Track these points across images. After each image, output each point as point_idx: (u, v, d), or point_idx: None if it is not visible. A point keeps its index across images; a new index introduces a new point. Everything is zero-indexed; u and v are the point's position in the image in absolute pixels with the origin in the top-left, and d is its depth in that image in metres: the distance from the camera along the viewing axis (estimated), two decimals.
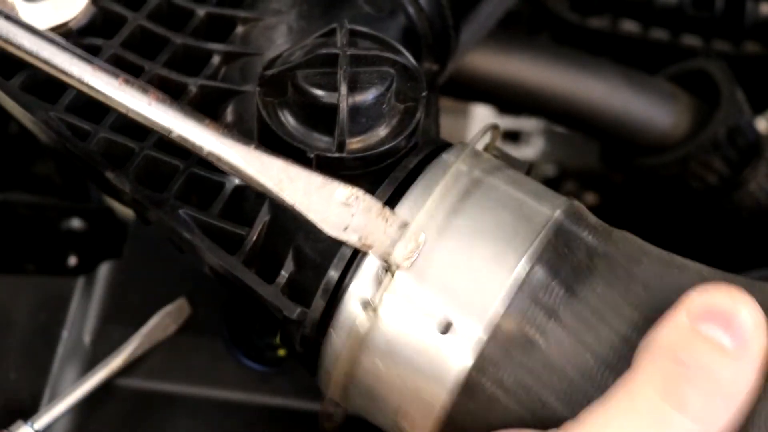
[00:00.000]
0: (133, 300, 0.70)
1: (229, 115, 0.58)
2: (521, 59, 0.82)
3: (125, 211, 0.90)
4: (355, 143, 0.52)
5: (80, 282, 0.72)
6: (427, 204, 0.50)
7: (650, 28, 0.91)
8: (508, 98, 0.83)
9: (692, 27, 0.90)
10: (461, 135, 0.99)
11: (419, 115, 0.53)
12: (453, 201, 0.50)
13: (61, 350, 0.69)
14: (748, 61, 0.90)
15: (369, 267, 0.50)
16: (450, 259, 0.49)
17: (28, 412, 0.62)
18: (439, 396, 0.48)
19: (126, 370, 0.65)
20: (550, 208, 0.51)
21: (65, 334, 0.69)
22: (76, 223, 0.81)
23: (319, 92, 0.51)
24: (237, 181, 0.55)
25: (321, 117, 0.52)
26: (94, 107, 0.55)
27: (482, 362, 0.48)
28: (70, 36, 0.58)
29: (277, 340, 0.70)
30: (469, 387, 0.48)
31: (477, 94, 0.85)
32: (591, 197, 0.97)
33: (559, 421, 0.46)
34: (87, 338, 0.68)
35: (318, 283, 0.51)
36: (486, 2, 0.72)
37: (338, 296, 0.50)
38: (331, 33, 0.54)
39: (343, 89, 0.51)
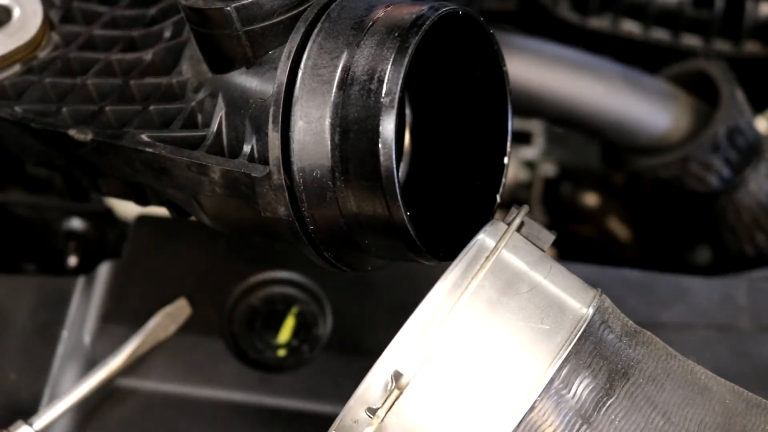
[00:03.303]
0: (133, 300, 0.70)
1: (184, 62, 0.60)
2: (521, 59, 0.82)
3: (125, 211, 0.90)
4: None
5: (80, 282, 0.72)
6: (463, 298, 0.48)
7: (650, 28, 0.91)
8: None
9: (692, 27, 0.90)
10: None
11: None
12: (491, 295, 0.49)
13: (61, 350, 0.68)
14: (748, 61, 0.90)
15: (380, 372, 0.48)
16: (453, 391, 0.47)
17: (28, 412, 0.62)
18: None
19: (126, 370, 0.65)
20: (570, 321, 0.49)
21: (65, 334, 0.69)
22: (76, 223, 0.81)
23: None
24: (195, 101, 0.58)
25: None
26: (59, 96, 0.61)
27: None
28: (34, 59, 0.64)
29: (278, 339, 0.70)
30: None
31: None
32: (591, 197, 0.97)
33: None
34: (87, 338, 0.68)
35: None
36: None
37: (288, 127, 0.52)
38: None
39: None
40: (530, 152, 0.97)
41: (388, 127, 0.50)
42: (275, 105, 0.53)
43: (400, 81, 0.50)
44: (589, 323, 0.49)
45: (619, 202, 0.96)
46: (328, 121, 0.52)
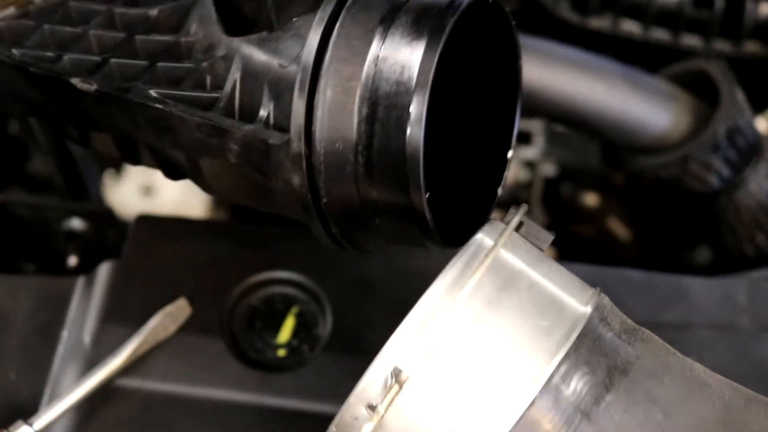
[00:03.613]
0: (133, 300, 0.70)
1: (192, 22, 0.59)
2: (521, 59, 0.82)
3: (125, 211, 0.90)
4: None
5: (80, 282, 0.72)
6: (462, 295, 0.48)
7: (650, 28, 0.91)
8: None
9: (692, 27, 0.90)
10: None
11: None
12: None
13: (61, 350, 0.68)
14: (748, 61, 0.90)
15: (379, 369, 0.48)
16: (454, 383, 0.47)
17: (28, 412, 0.62)
18: None
19: (126, 370, 0.65)
20: (570, 317, 0.49)
21: (65, 334, 0.69)
22: (76, 223, 0.81)
23: None
24: (205, 62, 0.56)
25: None
26: (61, 44, 0.59)
27: None
28: (31, 3, 0.61)
29: (278, 339, 0.70)
30: None
31: None
32: (591, 197, 0.97)
33: None
34: (87, 338, 0.68)
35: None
36: None
37: (315, 89, 0.50)
38: None
39: None
40: (530, 152, 0.97)
41: (420, 106, 0.49)
42: (303, 72, 0.51)
43: (435, 61, 0.49)
44: (588, 321, 0.49)
45: (619, 202, 0.96)
46: (358, 93, 0.51)
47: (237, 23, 0.55)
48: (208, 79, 0.56)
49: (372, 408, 0.47)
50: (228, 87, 0.55)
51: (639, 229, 0.96)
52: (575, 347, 0.47)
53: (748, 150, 0.82)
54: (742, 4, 0.89)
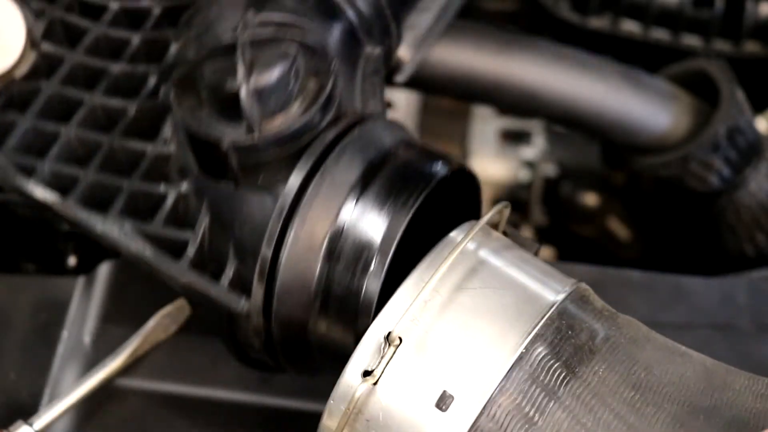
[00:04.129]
0: (133, 300, 0.69)
1: (168, 129, 0.58)
2: (521, 59, 0.82)
3: None
4: (269, 125, 0.52)
5: (80, 282, 0.72)
6: (433, 279, 0.50)
7: (650, 28, 0.91)
8: (507, 98, 0.83)
9: (692, 27, 0.90)
10: (461, 135, 0.99)
11: (329, 87, 0.53)
12: (459, 277, 0.51)
13: (61, 350, 0.68)
14: (748, 61, 0.90)
15: (371, 339, 0.50)
16: (451, 335, 0.49)
17: (28, 412, 0.62)
18: None
19: (126, 370, 0.65)
20: (555, 291, 0.51)
21: (65, 334, 0.69)
22: None
23: (221, 81, 0.52)
24: (179, 190, 0.56)
25: (231, 106, 0.52)
26: (40, 145, 0.59)
27: None
28: (13, 84, 0.61)
29: None
30: None
31: (476, 95, 0.85)
32: (591, 197, 0.97)
33: None
34: (87, 338, 0.68)
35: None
36: None
37: (274, 277, 0.52)
38: (243, 22, 0.55)
39: (241, 73, 0.52)
40: (530, 152, 0.97)
41: (372, 288, 0.52)
42: (262, 261, 0.53)
43: (398, 235, 0.52)
44: (568, 298, 0.51)
45: (619, 202, 0.96)
46: (318, 267, 0.53)
47: (208, 167, 0.55)
48: (181, 211, 0.57)
49: (368, 373, 0.49)
50: (198, 231, 0.55)
51: (639, 229, 0.96)
52: (552, 322, 0.49)
53: (748, 150, 0.82)
54: (742, 4, 0.89)
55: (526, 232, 0.99)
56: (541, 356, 0.48)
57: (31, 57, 0.62)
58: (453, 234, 0.53)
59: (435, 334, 0.49)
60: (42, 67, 0.62)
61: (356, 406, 0.49)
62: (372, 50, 0.65)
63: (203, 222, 0.55)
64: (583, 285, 0.52)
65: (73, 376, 0.67)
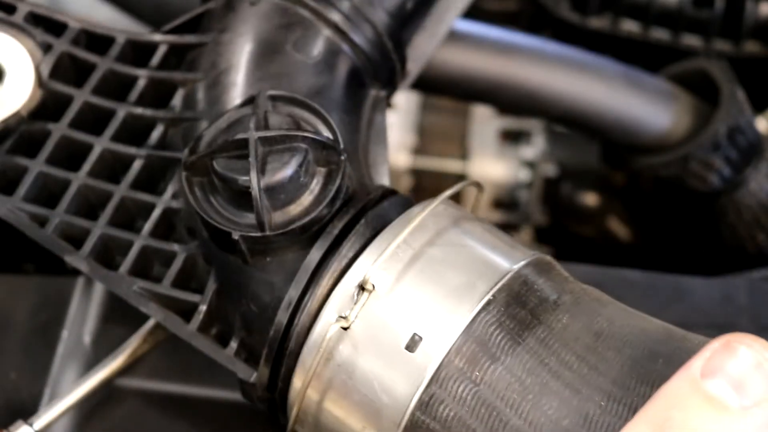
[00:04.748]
0: None
1: (175, 184, 0.59)
2: (521, 59, 0.82)
3: None
4: (279, 215, 0.54)
5: (80, 282, 0.71)
6: (404, 232, 0.52)
7: (650, 28, 0.91)
8: (507, 98, 0.83)
9: (692, 27, 0.90)
10: (461, 135, 0.99)
11: (338, 181, 0.54)
12: (431, 234, 0.52)
13: (61, 350, 0.68)
14: (748, 61, 0.90)
15: (345, 288, 0.52)
16: (421, 283, 0.51)
17: (28, 412, 0.62)
18: (402, 409, 0.49)
19: (126, 370, 0.65)
20: (524, 253, 0.53)
21: (65, 334, 0.69)
22: None
23: (234, 176, 0.53)
24: (189, 251, 0.57)
25: (242, 198, 0.54)
26: (50, 192, 0.59)
27: (443, 377, 0.49)
28: (22, 122, 0.61)
29: None
30: (429, 403, 0.49)
31: (476, 95, 0.85)
32: (591, 197, 0.97)
33: None
34: (87, 338, 0.68)
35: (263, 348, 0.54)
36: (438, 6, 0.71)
37: (282, 360, 0.53)
38: (252, 101, 0.56)
39: (254, 174, 0.53)
40: (530, 152, 0.97)
41: None
42: (269, 347, 0.53)
43: None
44: (536, 260, 0.53)
45: (619, 202, 0.96)
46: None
47: (216, 240, 0.56)
48: (189, 274, 0.57)
49: (342, 318, 0.50)
50: (207, 296, 0.56)
51: (639, 229, 0.96)
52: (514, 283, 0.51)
53: (748, 149, 0.82)
54: (742, 4, 0.89)
55: (526, 232, 0.99)
56: (507, 303, 0.50)
57: (39, 95, 0.61)
58: (427, 201, 0.55)
59: (406, 281, 0.51)
60: (49, 105, 0.62)
61: (327, 350, 0.51)
62: (377, 93, 0.66)
63: (212, 288, 0.56)
64: (549, 257, 0.55)
65: (73, 376, 0.67)
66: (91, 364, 0.66)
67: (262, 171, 0.53)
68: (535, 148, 0.97)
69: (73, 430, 0.65)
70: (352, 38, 0.63)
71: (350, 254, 0.53)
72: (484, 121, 0.99)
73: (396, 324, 0.50)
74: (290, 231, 0.53)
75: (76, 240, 0.59)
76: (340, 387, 0.51)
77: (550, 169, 0.97)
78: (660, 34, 0.91)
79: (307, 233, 0.54)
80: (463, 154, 0.98)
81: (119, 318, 0.69)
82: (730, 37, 0.90)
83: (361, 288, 0.51)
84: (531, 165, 0.97)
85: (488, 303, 0.50)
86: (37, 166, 0.60)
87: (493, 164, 0.97)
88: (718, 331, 0.69)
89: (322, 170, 0.55)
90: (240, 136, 0.54)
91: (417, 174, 0.98)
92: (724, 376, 0.43)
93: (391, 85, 0.67)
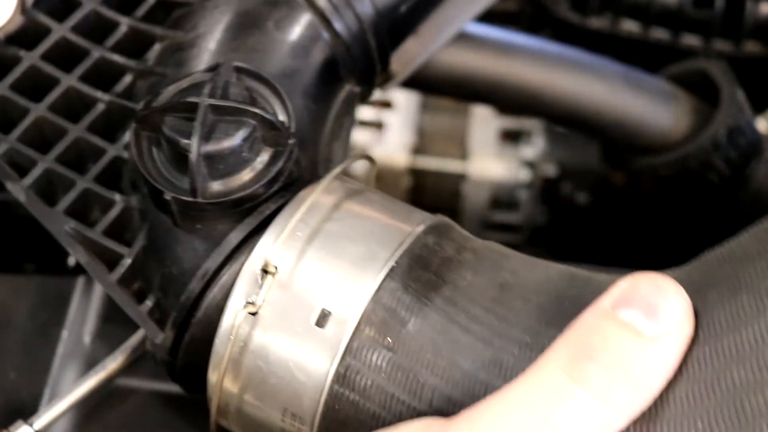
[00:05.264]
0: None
1: (129, 135, 0.59)
2: (521, 59, 0.82)
3: None
4: (216, 185, 0.54)
5: (80, 282, 0.71)
6: (299, 211, 0.52)
7: (650, 28, 0.91)
8: (507, 98, 0.83)
9: (692, 27, 0.90)
10: (461, 135, 0.99)
11: (281, 163, 0.54)
12: (326, 210, 0.53)
13: (61, 350, 0.68)
14: (748, 61, 0.90)
15: (247, 275, 0.52)
16: (323, 258, 0.51)
17: (28, 412, 0.62)
18: (319, 385, 0.50)
19: (126, 370, 0.65)
20: (423, 217, 0.53)
21: (65, 334, 0.69)
22: None
23: (177, 138, 0.53)
24: (128, 203, 0.57)
25: (183, 161, 0.54)
26: (8, 117, 0.59)
27: (356, 348, 0.49)
28: None
29: None
30: (345, 375, 0.49)
31: (476, 94, 0.85)
32: (591, 197, 0.97)
33: (443, 398, 0.48)
34: (87, 338, 0.68)
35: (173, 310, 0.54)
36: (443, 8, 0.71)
37: (187, 329, 0.53)
38: (216, 68, 0.56)
39: (195, 140, 0.53)
40: (530, 152, 0.97)
41: None
42: (178, 311, 0.54)
43: None
44: (436, 222, 0.53)
45: (619, 202, 0.96)
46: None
47: (154, 201, 0.56)
48: (122, 226, 0.57)
49: (250, 303, 0.50)
50: (134, 251, 0.56)
51: (639, 229, 0.96)
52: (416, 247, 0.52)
53: (748, 150, 0.82)
54: (742, 4, 0.89)
55: (526, 233, 0.99)
56: (410, 267, 0.50)
57: (18, 21, 0.62)
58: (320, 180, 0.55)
59: (307, 259, 0.51)
60: (28, 35, 0.62)
61: (239, 338, 0.51)
62: (352, 88, 0.65)
63: (140, 243, 0.57)
64: (447, 218, 0.55)
65: (73, 376, 0.67)
66: (91, 364, 0.66)
67: (206, 138, 0.53)
68: (535, 148, 0.97)
69: (73, 430, 0.65)
70: (334, 26, 0.63)
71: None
72: (484, 121, 0.99)
73: (303, 302, 0.50)
74: (222, 202, 0.53)
75: (23, 171, 0.58)
76: (257, 373, 0.51)
77: (550, 169, 0.97)
78: (660, 34, 0.91)
79: (240, 208, 0.54)
80: (463, 154, 0.98)
81: (119, 318, 0.68)
82: (730, 37, 0.90)
83: (264, 271, 0.51)
84: (531, 165, 0.97)
85: (391, 270, 0.50)
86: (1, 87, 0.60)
87: (493, 164, 0.97)
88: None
89: (269, 150, 0.55)
90: (191, 99, 0.54)
91: (417, 174, 0.98)
92: (635, 307, 0.45)
93: (367, 82, 0.67)
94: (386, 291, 0.50)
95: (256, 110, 0.54)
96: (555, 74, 0.82)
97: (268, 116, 0.54)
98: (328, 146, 0.62)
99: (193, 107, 0.54)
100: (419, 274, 0.50)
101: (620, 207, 0.96)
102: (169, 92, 0.56)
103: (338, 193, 0.54)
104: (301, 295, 0.51)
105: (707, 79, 0.84)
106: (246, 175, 0.54)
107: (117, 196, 0.58)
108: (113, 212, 0.57)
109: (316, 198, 0.53)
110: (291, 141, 0.55)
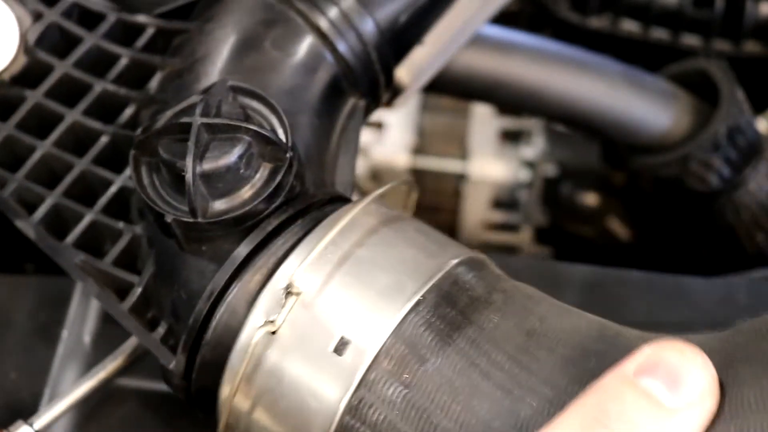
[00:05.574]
0: None
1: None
2: (521, 58, 0.82)
3: None
4: (217, 205, 0.54)
5: (80, 282, 0.71)
6: (332, 232, 0.51)
7: (650, 28, 0.91)
8: (507, 97, 0.83)
9: (692, 27, 0.90)
10: (461, 135, 0.99)
11: (279, 177, 0.54)
12: (359, 235, 0.52)
13: (61, 350, 0.68)
14: (748, 61, 0.90)
15: (271, 293, 0.51)
16: (349, 284, 0.50)
17: (28, 412, 0.62)
18: (331, 414, 0.49)
19: (126, 370, 0.65)
20: (455, 252, 0.52)
21: (65, 334, 0.69)
22: None
23: (174, 159, 0.53)
24: (135, 232, 0.58)
25: (181, 182, 0.53)
26: (15, 156, 0.60)
27: (372, 380, 0.48)
28: (1, 86, 0.61)
29: None
30: (358, 407, 0.48)
31: (476, 93, 0.85)
32: (591, 197, 0.97)
33: None
34: (87, 338, 0.68)
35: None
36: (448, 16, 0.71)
37: (198, 351, 0.53)
38: (212, 88, 0.56)
39: (189, 160, 0.52)
40: (530, 152, 0.97)
41: None
42: (187, 335, 0.53)
43: None
44: (468, 259, 0.52)
45: (619, 202, 0.96)
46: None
47: (158, 224, 0.56)
48: (132, 255, 0.58)
49: (269, 322, 0.50)
50: (143, 279, 0.56)
51: (639, 229, 0.96)
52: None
53: (748, 149, 0.82)
54: (742, 4, 0.89)
55: (526, 232, 0.99)
56: (436, 304, 0.49)
57: (22, 61, 0.62)
58: (358, 200, 0.55)
59: (333, 283, 0.50)
60: (32, 73, 0.62)
61: (255, 355, 0.50)
62: (357, 101, 0.65)
63: (149, 270, 0.57)
64: (482, 255, 0.54)
65: (73, 376, 0.67)
66: (91, 364, 0.66)
67: (201, 157, 0.53)
68: (535, 148, 0.97)
69: (73, 430, 0.65)
70: (335, 46, 0.63)
71: (280, 252, 0.53)
72: (484, 120, 0.99)
73: (324, 327, 0.49)
74: (223, 221, 0.53)
75: (32, 207, 0.59)
76: (269, 393, 0.50)
77: (550, 169, 0.97)
78: (660, 34, 0.91)
79: (242, 226, 0.54)
80: (463, 154, 0.98)
81: None
82: (730, 37, 0.90)
83: (288, 291, 0.50)
84: (531, 165, 0.97)
85: (417, 303, 0.49)
86: (5, 130, 0.60)
87: (493, 164, 0.97)
88: (718, 330, 0.69)
89: (268, 166, 0.55)
90: (185, 119, 0.54)
91: (417, 174, 0.98)
92: (658, 376, 0.43)
93: (372, 95, 0.67)
94: (410, 325, 0.49)
95: (250, 126, 0.54)
96: (555, 72, 0.82)
97: (262, 131, 0.54)
98: (334, 160, 0.62)
99: (187, 128, 0.53)
100: (445, 311, 0.49)
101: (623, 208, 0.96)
102: (165, 117, 0.56)
103: (374, 218, 0.53)
104: (322, 320, 0.50)
105: (707, 78, 0.84)
106: (246, 192, 0.54)
107: (122, 225, 0.58)
108: (122, 242, 0.57)
109: (351, 220, 0.52)
110: (289, 155, 0.54)
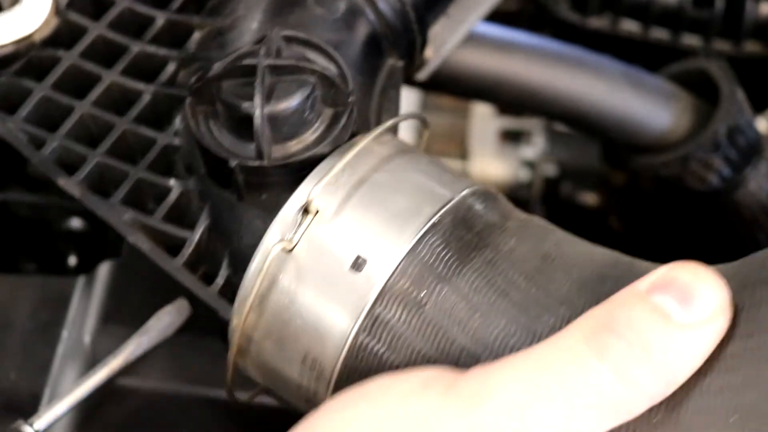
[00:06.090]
0: (133, 300, 0.69)
1: (179, 122, 0.59)
2: (521, 57, 0.82)
3: None
4: (280, 149, 0.53)
5: (80, 282, 0.72)
6: (348, 155, 0.51)
7: (650, 28, 0.91)
8: (508, 96, 0.83)
9: (692, 27, 0.90)
10: (461, 134, 0.99)
11: (344, 121, 0.54)
12: (376, 160, 0.51)
13: (61, 350, 0.68)
14: (748, 61, 0.90)
15: (288, 213, 0.50)
16: (366, 205, 0.50)
17: (28, 412, 0.62)
18: (345, 331, 0.48)
19: (126, 370, 0.65)
20: (468, 182, 0.52)
21: (65, 334, 0.69)
22: (76, 223, 0.81)
23: (237, 102, 0.53)
24: (185, 187, 0.57)
25: (244, 126, 0.53)
26: (52, 117, 0.59)
27: (388, 298, 0.48)
28: (33, 48, 0.61)
29: None
30: (374, 325, 0.48)
31: (477, 93, 0.85)
32: (591, 197, 0.97)
33: (470, 358, 0.47)
34: (87, 338, 0.68)
35: None
36: None
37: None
38: (262, 40, 0.55)
39: (258, 100, 0.52)
40: (530, 152, 0.97)
41: None
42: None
43: None
44: (484, 188, 0.52)
45: (619, 202, 0.96)
46: None
47: (214, 174, 0.56)
48: (182, 210, 0.57)
49: (286, 241, 0.49)
50: (197, 232, 0.56)
51: (639, 229, 0.96)
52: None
53: (748, 149, 0.82)
54: (742, 4, 0.89)
55: None
56: (454, 226, 0.49)
57: (54, 23, 0.61)
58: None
59: (350, 205, 0.50)
60: (64, 35, 0.62)
61: (270, 273, 0.49)
62: (395, 62, 0.65)
63: (203, 224, 0.56)
64: (495, 189, 0.54)
65: (73, 376, 0.67)
66: (91, 364, 0.66)
67: (267, 99, 0.53)
68: (535, 148, 0.97)
69: (73, 430, 0.65)
70: (376, 3, 0.63)
71: None
72: (484, 120, 0.99)
73: (340, 246, 0.49)
74: (289, 164, 0.53)
75: (72, 167, 0.58)
76: (282, 312, 0.50)
77: (550, 169, 0.97)
78: (660, 33, 0.91)
79: (304, 171, 0.53)
80: (463, 154, 0.98)
81: (119, 318, 0.69)
82: (730, 37, 0.90)
83: (306, 211, 0.50)
84: (531, 165, 0.97)
85: (434, 225, 0.49)
86: (42, 90, 0.60)
87: (493, 164, 0.97)
88: None
89: (329, 111, 0.54)
90: (248, 61, 0.53)
91: None
92: (670, 292, 0.43)
93: (409, 57, 0.67)
94: (426, 246, 0.48)
95: (316, 67, 0.54)
96: (555, 72, 0.82)
97: (328, 74, 0.54)
98: (377, 120, 0.62)
99: (250, 71, 0.53)
100: (462, 233, 0.49)
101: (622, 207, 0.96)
102: (220, 66, 0.55)
103: (390, 146, 0.53)
104: (338, 239, 0.49)
105: (707, 78, 0.84)
106: (308, 137, 0.54)
107: (172, 182, 0.57)
108: (171, 198, 0.57)
109: (367, 146, 0.52)
110: (351, 99, 0.54)
